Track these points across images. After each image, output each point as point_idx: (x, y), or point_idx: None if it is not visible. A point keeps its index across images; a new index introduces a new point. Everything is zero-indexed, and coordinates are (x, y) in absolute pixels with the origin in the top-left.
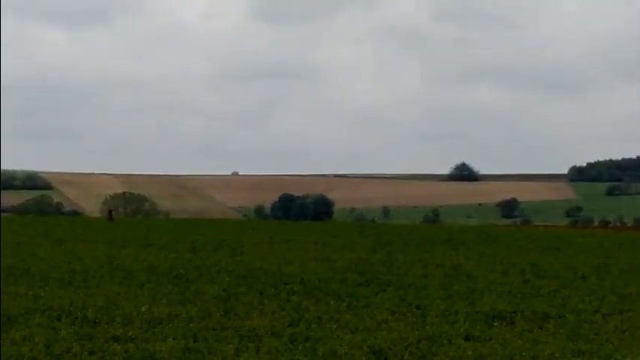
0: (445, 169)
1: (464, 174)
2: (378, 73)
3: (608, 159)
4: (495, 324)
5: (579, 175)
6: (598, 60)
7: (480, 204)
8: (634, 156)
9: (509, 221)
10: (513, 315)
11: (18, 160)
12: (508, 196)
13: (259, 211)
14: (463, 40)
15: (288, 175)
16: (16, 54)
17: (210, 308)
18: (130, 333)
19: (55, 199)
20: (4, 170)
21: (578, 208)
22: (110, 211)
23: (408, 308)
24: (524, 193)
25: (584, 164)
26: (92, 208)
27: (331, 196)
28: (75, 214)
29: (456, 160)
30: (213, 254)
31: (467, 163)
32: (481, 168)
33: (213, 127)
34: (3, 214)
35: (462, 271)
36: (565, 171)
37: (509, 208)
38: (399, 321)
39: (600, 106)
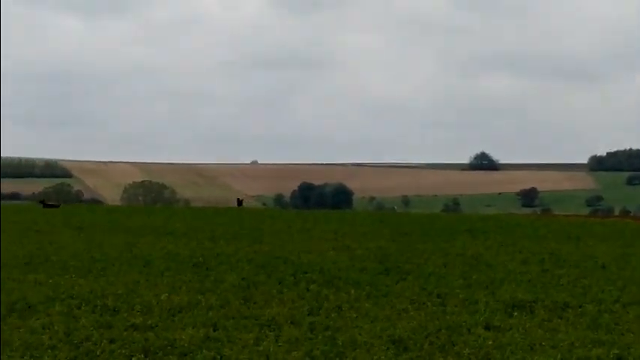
0: (465, 159)
1: (483, 163)
2: (396, 61)
3: (628, 148)
4: (515, 313)
5: (599, 164)
6: (617, 48)
7: (499, 193)
8: None
9: (529, 210)
10: (533, 304)
11: (37, 148)
12: (528, 186)
13: (279, 200)
14: (482, 28)
15: (307, 164)
16: (35, 42)
17: (229, 297)
18: (149, 321)
19: (75, 188)
20: (25, 158)
21: (599, 198)
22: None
23: (428, 297)
24: (544, 183)
25: (604, 154)
26: (112, 196)
27: (351, 185)
28: (95, 202)
29: (476, 150)
30: (232, 243)
31: (486, 152)
32: (501, 157)
33: (232, 116)
34: (23, 202)
35: (481, 260)
36: (585, 160)
37: (529, 197)
38: (418, 310)
39: (620, 95)
